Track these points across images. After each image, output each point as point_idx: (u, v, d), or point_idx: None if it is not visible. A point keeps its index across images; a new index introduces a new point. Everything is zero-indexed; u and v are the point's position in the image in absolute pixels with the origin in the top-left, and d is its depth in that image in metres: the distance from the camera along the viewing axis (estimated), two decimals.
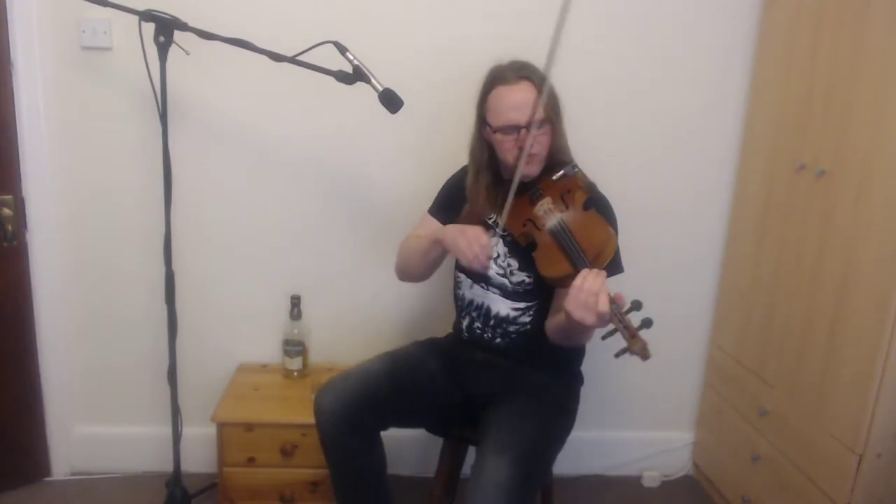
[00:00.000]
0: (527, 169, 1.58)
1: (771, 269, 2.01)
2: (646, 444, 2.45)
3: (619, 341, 1.31)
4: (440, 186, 1.87)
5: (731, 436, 2.20)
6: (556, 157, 1.62)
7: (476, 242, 1.48)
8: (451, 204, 1.79)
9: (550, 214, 1.53)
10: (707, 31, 2.12)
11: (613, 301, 1.29)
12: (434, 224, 1.79)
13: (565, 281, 1.40)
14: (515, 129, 1.56)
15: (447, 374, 1.74)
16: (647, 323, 1.28)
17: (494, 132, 1.60)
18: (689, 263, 2.31)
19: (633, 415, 2.43)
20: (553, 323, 1.59)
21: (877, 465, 1.62)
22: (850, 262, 1.67)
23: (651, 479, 2.42)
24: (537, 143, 1.56)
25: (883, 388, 1.58)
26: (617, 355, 1.30)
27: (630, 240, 2.21)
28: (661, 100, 2.15)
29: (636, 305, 1.30)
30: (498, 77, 1.60)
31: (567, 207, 1.55)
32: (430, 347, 1.82)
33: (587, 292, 1.30)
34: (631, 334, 1.28)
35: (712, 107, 2.18)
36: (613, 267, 1.59)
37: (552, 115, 1.58)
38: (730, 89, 2.17)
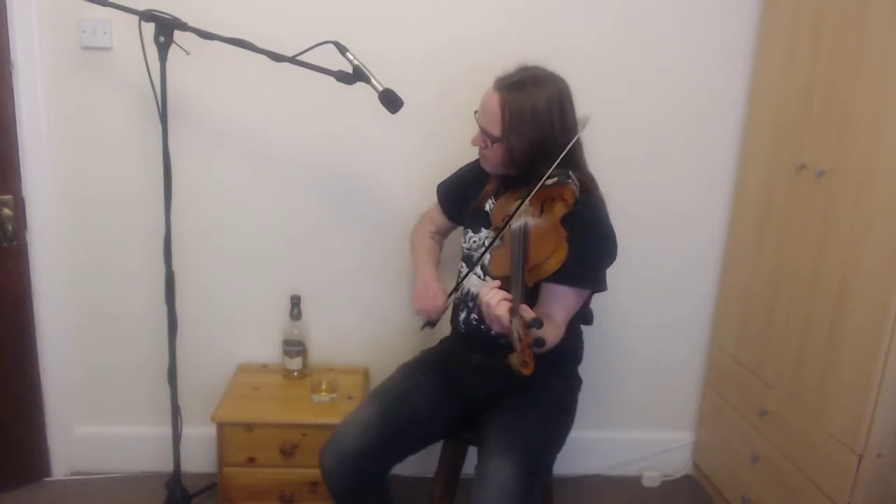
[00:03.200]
0: (480, 160, 1.71)
1: (771, 269, 2.01)
2: (646, 444, 2.45)
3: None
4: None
5: (731, 436, 2.20)
6: (528, 167, 1.60)
7: (431, 303, 1.71)
8: (459, 193, 1.85)
9: (522, 215, 1.49)
10: (707, 30, 2.12)
11: (518, 314, 1.27)
12: (437, 213, 1.93)
13: (504, 283, 1.37)
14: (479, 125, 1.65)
15: (442, 391, 1.73)
16: (539, 343, 1.27)
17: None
18: (690, 264, 2.31)
19: (633, 415, 2.43)
20: None
21: (877, 465, 1.62)
22: (850, 262, 1.67)
23: (651, 479, 2.42)
24: (488, 150, 1.64)
25: (883, 388, 1.58)
26: (502, 364, 1.30)
27: (630, 240, 2.21)
28: (660, 100, 2.15)
29: (535, 323, 1.26)
30: (500, 75, 1.62)
31: (541, 213, 1.52)
32: (420, 365, 1.81)
33: (486, 300, 1.33)
34: (521, 347, 1.25)
35: (712, 106, 2.18)
36: (591, 282, 1.58)
37: (505, 136, 1.56)
38: (730, 89, 2.17)
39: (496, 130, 1.57)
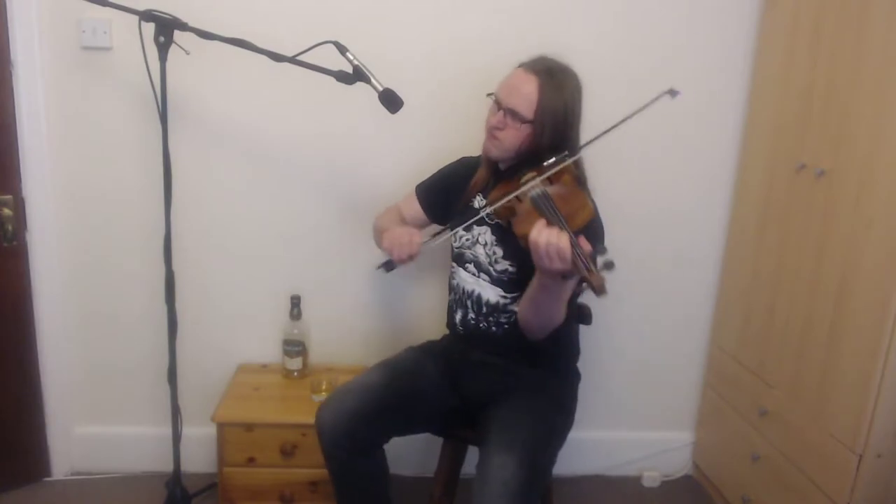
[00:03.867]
0: (487, 143, 1.67)
1: (771, 269, 2.01)
2: (646, 444, 2.45)
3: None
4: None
5: (731, 436, 2.20)
6: (544, 154, 1.62)
7: (408, 245, 1.59)
8: (443, 193, 1.82)
9: (534, 188, 1.53)
10: (707, 31, 2.12)
11: (577, 244, 1.31)
12: (415, 205, 1.86)
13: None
14: (498, 105, 1.62)
15: (444, 379, 1.75)
16: (608, 265, 1.27)
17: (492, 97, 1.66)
18: (689, 263, 2.31)
19: (633, 415, 2.43)
20: (523, 300, 1.59)
21: (877, 465, 1.62)
22: (850, 262, 1.67)
23: (651, 479, 2.42)
24: (506, 131, 1.61)
25: (883, 388, 1.58)
26: (577, 293, 1.32)
27: (630, 240, 2.22)
28: (661, 100, 2.15)
29: (601, 251, 1.29)
30: (526, 61, 1.64)
31: (552, 184, 1.55)
32: (427, 351, 1.83)
33: (545, 239, 1.34)
34: (588, 269, 1.28)
35: (712, 107, 2.18)
36: (603, 236, 1.60)
37: (537, 119, 1.59)
38: (730, 89, 2.17)
39: (529, 112, 1.58)
